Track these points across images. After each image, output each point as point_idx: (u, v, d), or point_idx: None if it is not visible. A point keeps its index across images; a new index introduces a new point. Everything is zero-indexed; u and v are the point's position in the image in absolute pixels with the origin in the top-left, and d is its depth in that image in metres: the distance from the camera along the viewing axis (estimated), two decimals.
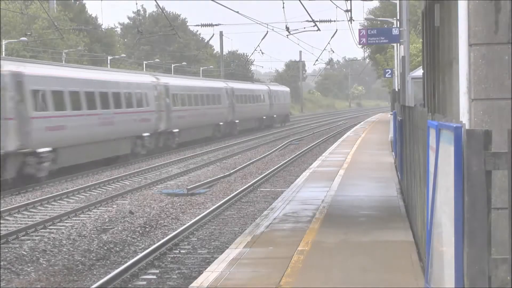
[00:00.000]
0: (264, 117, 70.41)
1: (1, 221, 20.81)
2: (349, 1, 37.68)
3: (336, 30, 52.04)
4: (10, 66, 27.77)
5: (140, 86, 40.49)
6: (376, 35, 32.94)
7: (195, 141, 50.10)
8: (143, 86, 40.86)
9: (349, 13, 38.37)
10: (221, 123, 55.37)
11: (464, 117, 8.00)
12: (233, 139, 56.47)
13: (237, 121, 59.88)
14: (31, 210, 22.85)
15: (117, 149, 36.68)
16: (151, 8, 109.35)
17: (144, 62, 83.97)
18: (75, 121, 31.78)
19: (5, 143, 26.68)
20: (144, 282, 13.91)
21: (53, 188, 28.04)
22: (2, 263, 15.36)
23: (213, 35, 67.04)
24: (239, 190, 25.03)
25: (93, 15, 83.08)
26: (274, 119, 74.18)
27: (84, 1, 78.86)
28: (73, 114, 31.80)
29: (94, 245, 16.99)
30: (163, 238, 17.61)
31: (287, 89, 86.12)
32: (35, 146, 28.28)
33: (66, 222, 20.56)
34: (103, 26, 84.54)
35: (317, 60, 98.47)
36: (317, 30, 40.06)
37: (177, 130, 45.31)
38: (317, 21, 39.82)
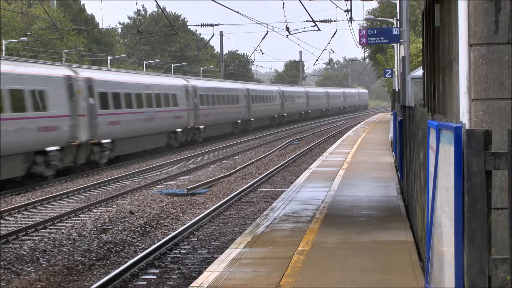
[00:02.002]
0: (355, 106, 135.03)
1: (1, 221, 20.81)
2: (349, 1, 37.74)
3: (336, 30, 52.01)
4: (183, 81, 49.03)
5: (237, 90, 62.19)
6: (376, 35, 32.92)
7: (261, 127, 71.68)
8: (239, 90, 62.42)
9: (349, 13, 38.39)
10: (276, 115, 78.73)
11: (464, 117, 8.00)
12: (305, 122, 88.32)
13: (309, 111, 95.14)
14: (31, 210, 22.84)
15: (226, 129, 58.42)
16: (151, 8, 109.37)
17: (144, 62, 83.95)
18: (216, 110, 54.83)
19: (192, 122, 47.95)
20: (144, 282, 13.91)
21: (53, 188, 28.04)
22: (2, 263, 15.37)
23: (213, 35, 67.03)
24: (239, 190, 25.03)
25: (92, 15, 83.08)
26: (360, 106, 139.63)
27: (83, 1, 78.92)
28: (215, 108, 54.42)
29: (94, 245, 16.99)
30: (163, 238, 17.61)
31: (366, 91, 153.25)
32: (199, 124, 50.30)
33: (66, 222, 20.55)
34: (103, 26, 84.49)
35: (317, 60, 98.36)
36: (317, 30, 40.08)
37: (252, 119, 67.19)
38: (317, 21, 39.85)
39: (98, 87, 34.40)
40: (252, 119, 66.97)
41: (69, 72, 32.06)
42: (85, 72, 34.05)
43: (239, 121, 62.58)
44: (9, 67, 27.69)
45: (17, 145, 27.00)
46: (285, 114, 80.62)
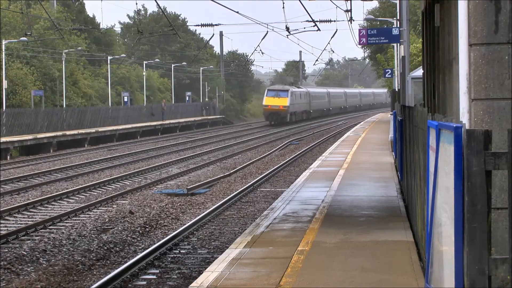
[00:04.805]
0: (371, 104, 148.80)
1: (1, 221, 20.82)
2: (349, 1, 37.69)
3: (336, 30, 52.06)
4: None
5: (362, 93, 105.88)
6: (376, 35, 32.88)
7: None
8: (362, 93, 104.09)
9: (349, 13, 38.36)
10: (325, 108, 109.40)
11: (464, 117, 8.00)
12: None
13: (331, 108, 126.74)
14: (31, 210, 22.85)
15: (347, 110, 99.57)
16: (151, 8, 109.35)
17: (144, 62, 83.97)
18: (315, 103, 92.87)
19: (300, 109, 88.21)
20: (144, 282, 13.91)
21: (53, 188, 28.04)
22: (2, 263, 15.37)
23: (213, 35, 66.83)
24: (239, 190, 25.03)
25: (92, 15, 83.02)
26: (375, 104, 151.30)
27: (83, 1, 78.76)
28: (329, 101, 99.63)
29: (94, 245, 17.00)
30: (163, 238, 17.61)
31: (385, 90, 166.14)
32: (292, 110, 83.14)
33: (66, 222, 20.56)
34: (102, 26, 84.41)
35: (317, 60, 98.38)
36: (317, 30, 40.10)
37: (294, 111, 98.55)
38: (317, 21, 39.86)
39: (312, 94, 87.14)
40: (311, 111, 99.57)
41: (305, 90, 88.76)
42: (307, 88, 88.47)
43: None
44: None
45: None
46: (311, 111, 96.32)
